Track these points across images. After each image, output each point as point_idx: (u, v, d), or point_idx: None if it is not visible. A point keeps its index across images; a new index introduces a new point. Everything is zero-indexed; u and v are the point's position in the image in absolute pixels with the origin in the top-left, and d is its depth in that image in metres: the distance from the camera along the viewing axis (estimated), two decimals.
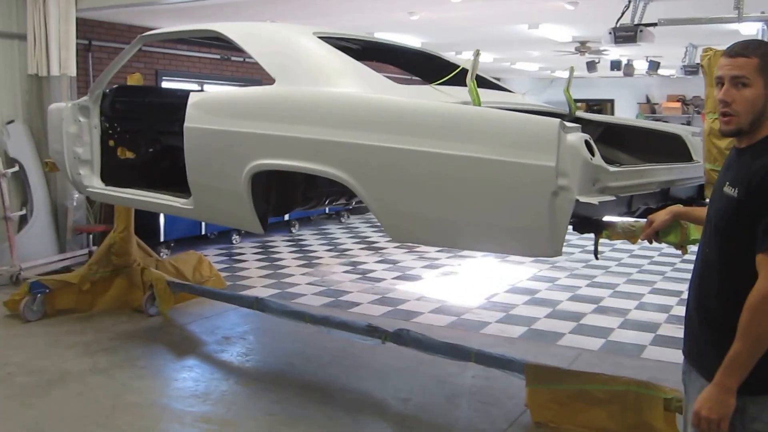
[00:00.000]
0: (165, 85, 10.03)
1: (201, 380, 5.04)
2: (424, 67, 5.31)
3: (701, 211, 2.92)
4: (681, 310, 6.55)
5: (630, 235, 3.30)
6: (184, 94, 6.12)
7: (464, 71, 3.51)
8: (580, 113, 4.77)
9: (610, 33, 6.68)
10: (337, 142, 3.45)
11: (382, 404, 4.65)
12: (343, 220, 12.54)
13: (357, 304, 7.08)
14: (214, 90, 4.40)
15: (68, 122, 5.39)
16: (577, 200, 2.88)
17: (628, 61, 12.49)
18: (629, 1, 6.54)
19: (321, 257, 9.43)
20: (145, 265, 6.68)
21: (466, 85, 3.39)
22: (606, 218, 3.47)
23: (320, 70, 3.90)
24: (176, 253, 8.20)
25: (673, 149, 4.46)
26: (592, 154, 2.95)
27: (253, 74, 10.95)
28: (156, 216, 8.71)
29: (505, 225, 3.12)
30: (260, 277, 8.25)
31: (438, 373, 5.08)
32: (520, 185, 2.97)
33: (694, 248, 2.63)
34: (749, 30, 8.95)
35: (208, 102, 4.34)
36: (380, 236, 11.10)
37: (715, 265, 2.22)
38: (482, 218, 3.16)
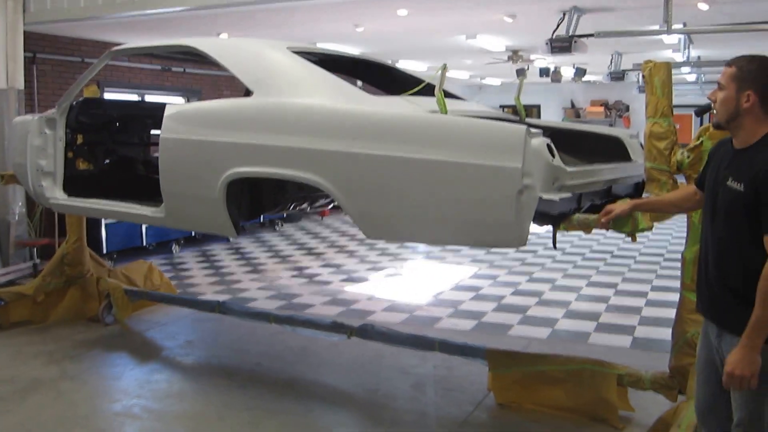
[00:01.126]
0: (107, 96, 10.03)
1: (174, 381, 5.19)
2: (386, 80, 5.56)
3: (656, 202, 3.30)
4: (618, 300, 7.16)
5: (585, 226, 3.59)
6: (149, 107, 6.26)
7: (429, 85, 3.84)
8: (529, 119, 5.12)
9: (547, 44, 7.11)
10: (319, 150, 3.68)
11: (353, 396, 4.90)
12: (277, 228, 12.65)
13: (310, 306, 7.30)
14: (191, 103, 4.55)
15: (34, 135, 5.43)
16: (540, 197, 3.22)
17: (556, 68, 13.13)
18: (564, 14, 6.97)
19: (265, 263, 9.59)
20: (99, 275, 6.75)
21: (427, 96, 3.71)
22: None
23: (297, 83, 4.10)
24: (118, 265, 8.22)
25: (613, 151, 4.84)
26: (553, 156, 3.31)
27: (193, 85, 11.04)
28: (98, 228, 8.76)
29: (475, 220, 3.41)
30: (209, 284, 8.36)
31: (400, 365, 5.37)
32: (489, 185, 3.29)
33: (642, 236, 3.00)
34: (671, 40, 9.62)
35: (186, 114, 4.47)
36: (318, 242, 11.33)
37: (734, 245, 2.65)
38: (455, 215, 3.45)
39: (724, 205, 2.68)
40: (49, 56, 9.40)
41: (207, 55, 4.56)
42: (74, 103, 5.50)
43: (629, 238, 3.71)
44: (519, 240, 3.35)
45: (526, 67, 12.89)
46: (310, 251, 10.56)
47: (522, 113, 5.02)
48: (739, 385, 2.56)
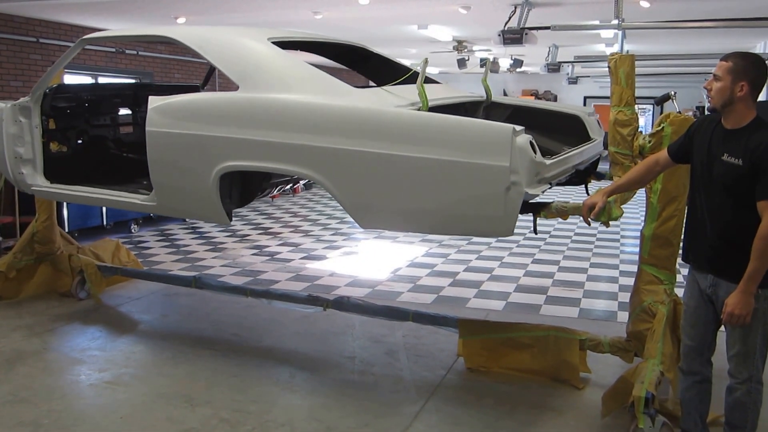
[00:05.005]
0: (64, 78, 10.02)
1: (157, 351, 5.40)
2: (361, 62, 5.86)
3: (623, 185, 3.74)
4: (563, 276, 7.72)
5: (562, 213, 3.93)
6: (115, 87, 6.35)
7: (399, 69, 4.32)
8: (495, 98, 5.44)
9: (499, 35, 7.52)
10: (313, 146, 3.88)
11: (333, 361, 5.24)
12: None
13: (276, 282, 7.60)
14: (176, 96, 4.65)
15: (8, 123, 5.47)
16: (526, 192, 3.55)
17: (494, 58, 13.63)
18: (515, 7, 7.40)
19: (224, 242, 9.80)
20: (69, 252, 6.90)
21: (405, 83, 4.00)
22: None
23: (283, 77, 4.21)
24: (80, 243, 8.33)
25: (571, 128, 5.23)
26: (535, 152, 3.62)
27: (145, 67, 11.10)
28: (61, 207, 8.80)
29: (465, 214, 3.70)
30: (172, 261, 8.56)
31: (371, 334, 5.75)
32: (478, 182, 3.57)
33: (573, 217, 3.40)
34: (607, 34, 10.20)
35: (173, 107, 4.49)
36: (272, 222, 11.58)
37: (731, 209, 3.23)
38: (445, 209, 3.72)
39: (720, 177, 3.25)
40: (4, 35, 9.35)
41: (188, 46, 4.60)
42: (47, 90, 5.55)
43: (585, 223, 4.08)
44: (507, 231, 3.65)
45: (467, 58, 13.37)
46: (266, 231, 10.81)
47: (489, 94, 5.31)
48: (736, 322, 3.20)
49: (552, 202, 3.92)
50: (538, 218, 3.96)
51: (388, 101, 4.10)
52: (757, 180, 3.11)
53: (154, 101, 4.54)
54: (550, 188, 4.08)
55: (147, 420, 4.24)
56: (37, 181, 5.56)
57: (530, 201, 3.78)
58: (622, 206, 3.84)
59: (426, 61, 4.01)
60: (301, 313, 6.01)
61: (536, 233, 4.25)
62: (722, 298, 3.32)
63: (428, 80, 5.13)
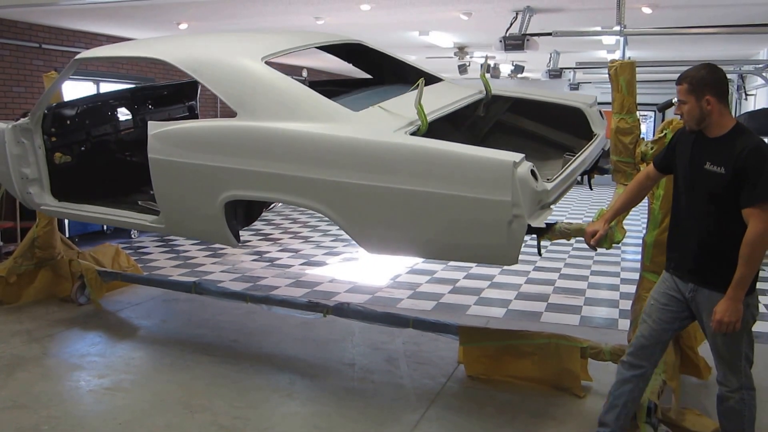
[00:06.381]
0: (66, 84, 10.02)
1: (157, 357, 5.39)
2: (358, 57, 5.82)
3: (621, 206, 3.76)
4: (564, 283, 7.67)
5: (565, 235, 3.94)
6: (111, 96, 6.29)
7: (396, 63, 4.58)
8: (495, 91, 5.36)
9: (500, 41, 7.51)
10: (315, 179, 3.90)
11: (333, 368, 5.21)
12: None
13: (276, 288, 7.59)
14: (175, 124, 4.55)
15: (11, 144, 5.46)
16: (528, 224, 3.55)
17: (495, 64, 13.62)
18: (517, 13, 7.39)
19: (224, 248, 9.75)
20: (69, 257, 6.89)
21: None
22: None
23: (278, 102, 4.17)
24: (80, 248, 8.32)
25: (573, 120, 5.20)
26: (537, 179, 3.62)
27: (147, 73, 11.09)
28: None
29: (469, 243, 3.74)
30: (173, 267, 8.55)
31: (371, 341, 5.73)
32: (481, 215, 3.59)
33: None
34: (609, 41, 10.20)
35: (173, 135, 4.47)
36: (272, 228, 11.58)
37: (714, 217, 3.23)
38: (450, 239, 3.77)
39: (703, 186, 3.26)
40: (7, 41, 9.38)
41: (182, 70, 4.52)
42: (46, 111, 5.52)
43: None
44: (511, 260, 3.69)
45: (468, 63, 13.38)
46: (266, 237, 10.80)
47: (489, 88, 5.24)
48: (726, 329, 3.19)
49: (555, 224, 3.92)
50: (541, 240, 3.96)
51: (387, 125, 4.04)
52: (741, 187, 3.11)
53: (153, 127, 4.53)
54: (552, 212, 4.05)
55: (146, 426, 4.21)
56: (45, 200, 5.58)
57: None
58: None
59: (422, 82, 4.01)
60: (301, 320, 5.99)
61: (540, 255, 4.23)
62: (701, 303, 3.35)
63: (429, 79, 5.10)
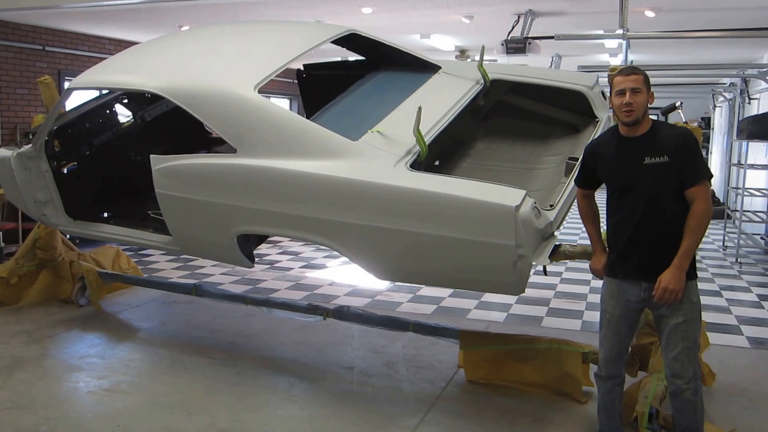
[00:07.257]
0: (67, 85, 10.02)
1: (156, 359, 5.38)
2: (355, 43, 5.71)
3: (594, 231, 3.78)
4: (565, 287, 7.64)
5: (570, 257, 4.02)
6: (106, 101, 6.28)
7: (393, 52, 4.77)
8: (494, 76, 5.29)
9: (502, 44, 7.49)
10: (321, 218, 3.99)
11: (332, 372, 5.20)
12: None
13: (275, 290, 7.57)
14: (178, 159, 4.50)
15: (19, 171, 5.50)
16: (533, 264, 3.61)
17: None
18: (519, 17, 7.37)
19: None
20: (70, 259, 6.89)
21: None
22: None
23: (275, 137, 4.17)
24: (80, 250, 8.31)
25: (575, 104, 5.17)
26: (539, 214, 3.66)
27: None
28: None
29: (475, 279, 3.85)
30: (173, 269, 8.55)
31: (371, 345, 5.71)
32: (487, 257, 3.65)
33: (577, 228, 3.46)
34: (611, 44, 10.18)
35: (177, 171, 4.48)
36: None
37: (662, 207, 3.34)
38: (456, 274, 3.86)
39: (647, 180, 3.36)
40: (11, 43, 9.42)
41: (176, 104, 4.45)
42: (47, 137, 5.50)
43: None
44: (518, 292, 3.80)
45: None
46: (266, 239, 10.75)
47: (486, 78, 5.19)
48: (669, 298, 3.31)
49: (560, 245, 3.93)
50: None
51: (387, 158, 4.01)
52: (684, 170, 3.29)
53: (156, 162, 4.53)
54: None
55: (144, 428, 4.20)
56: (60, 221, 5.62)
57: None
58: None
59: (420, 109, 4.01)
60: (301, 323, 5.98)
61: (546, 274, 4.30)
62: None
63: (426, 66, 5.05)
